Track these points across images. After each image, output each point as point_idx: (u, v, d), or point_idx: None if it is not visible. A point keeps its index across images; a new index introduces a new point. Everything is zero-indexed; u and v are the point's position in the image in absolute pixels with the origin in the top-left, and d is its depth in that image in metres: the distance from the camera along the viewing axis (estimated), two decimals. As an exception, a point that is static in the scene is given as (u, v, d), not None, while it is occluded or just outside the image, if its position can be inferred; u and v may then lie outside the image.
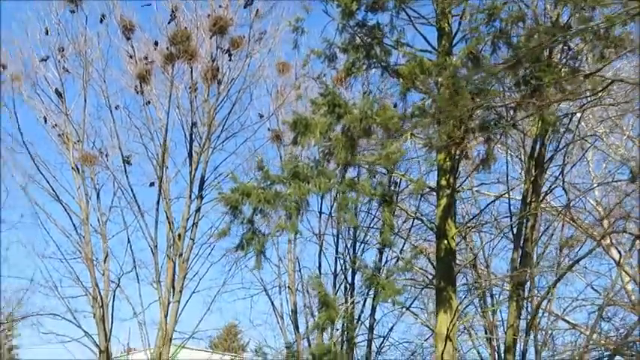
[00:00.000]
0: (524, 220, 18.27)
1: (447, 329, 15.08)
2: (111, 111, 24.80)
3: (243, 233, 14.77)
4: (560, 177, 19.56)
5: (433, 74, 15.04)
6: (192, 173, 24.61)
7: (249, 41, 24.33)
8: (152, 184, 25.49)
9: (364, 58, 16.39)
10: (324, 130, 14.71)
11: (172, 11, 23.92)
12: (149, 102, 25.20)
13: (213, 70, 24.57)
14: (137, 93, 25.15)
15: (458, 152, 15.45)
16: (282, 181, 14.53)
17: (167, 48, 23.84)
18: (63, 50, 24.82)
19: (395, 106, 16.21)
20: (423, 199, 20.29)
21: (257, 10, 24.67)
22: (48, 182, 24.57)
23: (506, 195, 19.22)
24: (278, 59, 25.92)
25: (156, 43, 24.06)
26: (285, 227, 14.54)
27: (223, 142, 25.44)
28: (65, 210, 24.60)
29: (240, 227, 14.73)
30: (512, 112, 15.14)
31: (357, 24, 16.69)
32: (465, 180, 17.57)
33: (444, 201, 16.01)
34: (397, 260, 21.68)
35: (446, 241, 15.81)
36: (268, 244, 15.70)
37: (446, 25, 16.69)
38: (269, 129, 26.13)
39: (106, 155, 25.66)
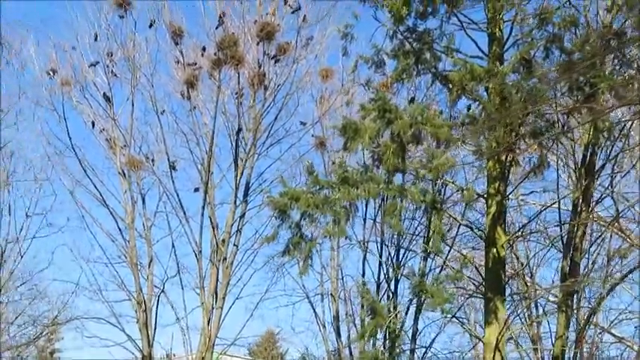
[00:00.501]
0: (574, 230, 17.97)
1: (497, 339, 14.86)
2: (158, 116, 24.90)
3: (290, 238, 14.73)
4: (610, 187, 19.22)
5: (484, 81, 14.87)
6: (238, 179, 24.62)
7: (296, 47, 24.29)
8: (197, 190, 25.59)
9: (414, 64, 16.28)
10: (374, 135, 14.63)
11: (220, 17, 24.02)
12: (195, 107, 25.31)
13: (260, 75, 24.59)
14: (184, 98, 25.28)
15: (508, 159, 15.24)
16: (332, 186, 14.46)
17: (215, 53, 23.91)
18: (112, 55, 25.05)
19: (441, 113, 16.04)
20: (469, 206, 20.08)
21: (304, 16, 24.64)
22: (95, 187, 24.76)
23: (556, 204, 18.90)
24: (321, 65, 25.92)
25: (203, 49, 24.18)
26: (333, 232, 14.49)
27: (268, 148, 25.42)
28: (111, 214, 24.77)
29: (287, 232, 14.68)
30: (565, 118, 14.91)
31: (407, 29, 16.64)
32: (515, 188, 17.30)
33: (493, 209, 15.81)
34: (442, 268, 21.48)
35: (495, 250, 15.61)
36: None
37: (497, 30, 16.52)
38: (313, 135, 26.10)
39: (152, 160, 25.80)
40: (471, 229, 17.24)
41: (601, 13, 16.72)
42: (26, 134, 25.79)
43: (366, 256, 23.76)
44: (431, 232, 16.57)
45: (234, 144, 24.80)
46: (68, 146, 24.91)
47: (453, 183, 16.25)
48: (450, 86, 16.36)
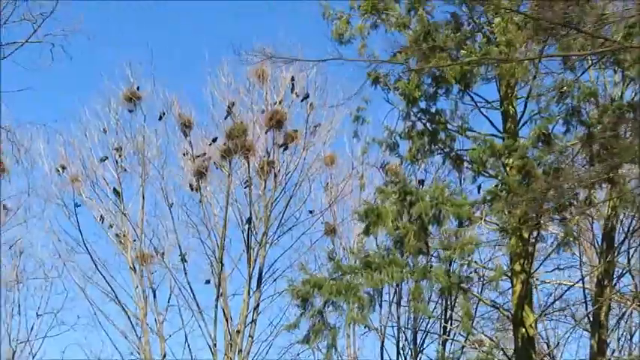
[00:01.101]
0: (599, 307, 17.53)
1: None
2: (170, 209, 24.73)
3: (311, 326, 14.29)
4: (628, 262, 18.88)
5: (503, 156, 14.72)
6: (250, 269, 24.26)
7: (305, 135, 24.27)
8: (207, 282, 25.22)
9: (429, 144, 16.16)
10: (395, 218, 14.36)
11: (229, 107, 24.10)
12: (201, 200, 25.15)
13: (269, 164, 24.54)
14: (192, 190, 25.16)
15: (533, 236, 14.95)
16: (354, 272, 14.11)
17: (224, 143, 23.90)
18: (121, 150, 25.02)
19: (460, 191, 15.81)
20: (488, 285, 19.67)
21: (311, 103, 24.73)
22: (108, 283, 24.34)
23: (580, 283, 18.54)
24: (328, 152, 25.90)
25: (214, 140, 24.13)
26: (358, 319, 14.06)
27: (280, 236, 25.14)
28: (124, 310, 24.28)
29: (308, 320, 14.24)
30: (586, 192, 14.68)
31: (420, 110, 16.60)
32: (540, 265, 16.95)
33: (518, 287, 15.41)
34: (462, 349, 20.93)
35: (524, 330, 15.14)
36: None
37: (510, 107, 16.46)
38: (322, 222, 25.86)
39: (162, 254, 25.48)
40: (497, 308, 16.79)
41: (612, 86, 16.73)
42: (35, 232, 25.52)
43: (384, 342, 23.17)
44: (460, 313, 16.06)
45: (245, 233, 24.54)
46: (79, 242, 24.64)
47: (475, 262, 15.91)
48: (466, 165, 16.32)
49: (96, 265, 24.38)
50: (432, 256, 14.98)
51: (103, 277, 24.36)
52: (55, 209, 25.00)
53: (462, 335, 21.30)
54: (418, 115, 16.61)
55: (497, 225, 15.17)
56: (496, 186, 14.84)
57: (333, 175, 25.98)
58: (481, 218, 15.04)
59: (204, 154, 24.85)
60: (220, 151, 23.87)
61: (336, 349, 14.40)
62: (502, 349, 17.98)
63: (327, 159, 25.87)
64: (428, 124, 16.51)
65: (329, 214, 25.94)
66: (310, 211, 25.66)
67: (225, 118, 24.04)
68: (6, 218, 24.76)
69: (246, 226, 24.43)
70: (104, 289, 24.56)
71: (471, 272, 15.99)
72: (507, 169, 14.87)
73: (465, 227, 14.52)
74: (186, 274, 24.44)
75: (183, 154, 25.27)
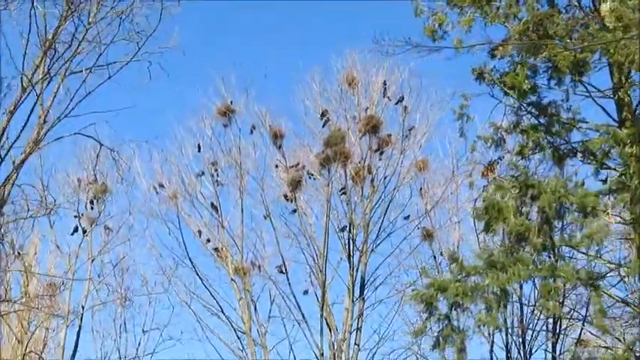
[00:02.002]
0: None
1: None
2: (271, 221, 24.68)
3: (439, 330, 13.90)
4: None
5: (627, 145, 14.10)
6: (353, 277, 23.98)
7: (401, 139, 23.91)
8: (306, 292, 25.09)
9: (544, 137, 15.61)
10: (516, 213, 13.87)
11: (322, 114, 23.92)
12: (296, 210, 25.04)
13: (366, 170, 24.27)
14: (287, 200, 25.08)
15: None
16: (479, 272, 13.67)
17: (322, 151, 23.73)
18: (216, 164, 25.11)
19: (582, 184, 15.22)
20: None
21: (405, 107, 24.38)
22: (212, 295, 24.41)
23: None
24: (418, 156, 25.47)
25: (313, 152, 23.96)
26: (487, 321, 13.60)
27: (379, 243, 24.82)
28: (230, 323, 24.30)
29: (436, 324, 13.85)
30: None
31: (531, 103, 16.10)
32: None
33: (648, 282, 14.72)
34: (575, 350, 20.20)
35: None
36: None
37: (625, 95, 15.79)
38: (417, 227, 25.42)
39: (259, 267, 25.47)
40: (628, 304, 16.04)
41: None
42: (138, 249, 25.77)
43: (493, 347, 22.57)
44: (591, 310, 15.44)
45: (345, 242, 24.29)
46: (183, 258, 24.71)
47: (600, 257, 15.25)
48: (579, 157, 15.74)
49: (201, 279, 24.48)
50: (557, 251, 14.40)
51: (208, 290, 24.43)
52: (156, 226, 25.21)
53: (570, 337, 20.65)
54: (529, 109, 16.14)
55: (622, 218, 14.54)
56: (620, 175, 14.20)
57: (426, 179, 25.60)
58: (605, 210, 14.42)
59: (298, 164, 24.79)
60: (319, 160, 23.66)
61: (466, 352, 13.93)
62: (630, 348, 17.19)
63: (419, 163, 25.45)
64: (539, 118, 16.02)
65: (426, 219, 25.61)
66: (406, 217, 25.33)
67: (323, 126, 23.87)
68: (109, 238, 25.09)
69: (347, 234, 24.20)
70: (207, 303, 24.65)
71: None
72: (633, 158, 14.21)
73: (591, 218, 13.87)
74: (289, 284, 24.28)
75: (276, 166, 25.29)
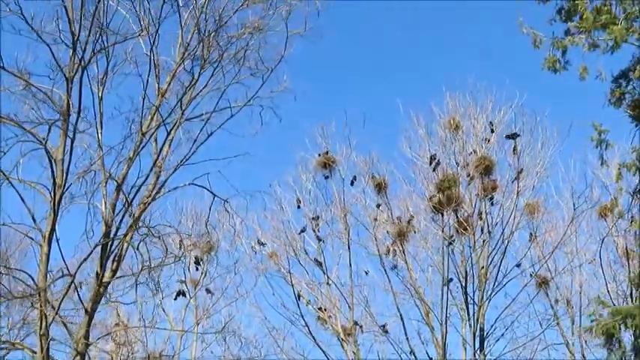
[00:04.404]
0: None
1: None
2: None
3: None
4: None
5: None
6: (473, 330, 22.50)
7: (517, 180, 22.61)
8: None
9: None
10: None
11: (431, 159, 22.81)
12: (395, 266, 23.84)
13: (477, 216, 23.01)
14: (389, 254, 23.91)
15: None
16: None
17: (431, 197, 22.57)
18: (318, 219, 24.08)
19: None
20: None
21: (514, 147, 23.16)
22: (325, 355, 23.07)
23: None
24: (530, 198, 24.15)
25: (430, 198, 22.80)
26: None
27: (495, 293, 23.38)
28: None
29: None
30: None
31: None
32: None
33: None
34: None
35: None
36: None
37: None
38: (531, 275, 23.97)
39: (360, 327, 24.13)
40: None
41: None
42: (245, 310, 24.61)
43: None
44: None
45: (464, 294, 22.89)
46: (288, 318, 23.50)
47: None
48: None
49: (314, 338, 23.19)
50: None
51: (321, 349, 23.10)
52: (260, 286, 24.14)
53: None
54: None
55: None
56: None
57: (540, 222, 24.22)
58: None
59: (399, 218, 23.68)
60: (432, 204, 22.47)
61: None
62: None
63: (530, 207, 24.10)
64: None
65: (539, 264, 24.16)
66: (518, 265, 23.92)
67: (434, 170, 22.75)
68: (211, 301, 24.02)
69: (464, 286, 22.84)
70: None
71: None
72: None
73: None
74: (407, 338, 22.78)
75: (374, 219, 24.16)
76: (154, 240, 14.49)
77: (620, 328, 12.32)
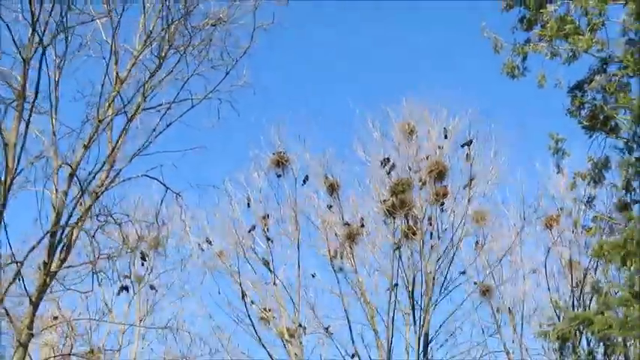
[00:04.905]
0: None
1: None
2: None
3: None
4: None
5: None
6: (418, 333, 22.57)
7: (468, 187, 22.77)
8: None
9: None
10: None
11: (385, 161, 22.76)
12: (341, 269, 23.81)
13: (427, 221, 23.11)
14: (337, 256, 23.83)
15: None
16: (625, 304, 12.39)
17: (384, 201, 22.53)
18: (267, 217, 23.85)
19: None
20: None
21: (467, 154, 23.33)
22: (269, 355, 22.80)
23: None
24: (476, 208, 24.38)
25: (384, 201, 22.72)
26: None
27: (442, 298, 23.57)
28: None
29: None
30: None
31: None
32: None
33: None
34: None
35: None
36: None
37: None
38: (475, 283, 24.21)
39: (304, 328, 23.97)
40: None
41: None
42: (188, 308, 24.13)
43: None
44: None
45: (410, 298, 22.96)
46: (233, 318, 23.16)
47: None
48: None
49: (259, 337, 22.94)
50: None
51: (266, 349, 22.91)
52: (206, 284, 23.76)
53: None
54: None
55: None
56: None
57: (488, 231, 24.48)
58: None
59: (347, 224, 23.60)
60: (385, 207, 22.43)
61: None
62: None
63: (477, 215, 24.34)
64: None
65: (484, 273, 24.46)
66: (462, 272, 24.16)
67: (388, 173, 22.71)
68: (155, 298, 23.50)
69: (411, 291, 22.90)
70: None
71: None
72: None
73: None
74: (353, 341, 22.73)
75: (324, 221, 24.05)
76: (108, 231, 14.01)
77: (575, 334, 12.43)
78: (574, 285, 22.55)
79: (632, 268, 12.63)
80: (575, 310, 20.36)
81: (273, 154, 23.74)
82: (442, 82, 25.73)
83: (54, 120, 14.79)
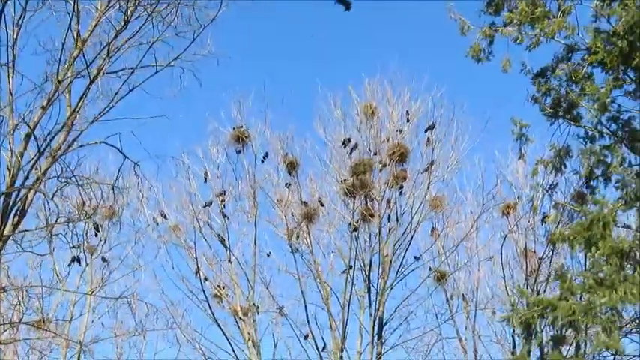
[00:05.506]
0: None
1: None
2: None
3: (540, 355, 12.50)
4: None
5: None
6: (374, 318, 22.48)
7: (428, 172, 22.66)
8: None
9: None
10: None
11: (346, 141, 22.56)
12: (297, 249, 23.57)
13: (387, 204, 22.97)
14: (293, 236, 23.56)
15: None
16: (588, 291, 12.36)
17: (344, 181, 22.33)
18: (224, 194, 23.45)
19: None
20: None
21: (427, 139, 23.21)
22: (223, 332, 22.50)
23: None
24: (434, 193, 24.31)
25: (344, 181, 22.48)
26: (610, 344, 12.20)
27: (397, 283, 23.46)
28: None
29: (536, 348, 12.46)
30: None
31: (611, 118, 15.19)
32: None
33: None
34: None
35: None
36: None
37: None
38: (430, 269, 24.19)
39: (257, 307, 23.70)
40: None
41: None
42: (141, 282, 23.66)
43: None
44: None
45: (365, 281, 22.81)
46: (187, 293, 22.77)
47: None
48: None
49: (213, 314, 22.55)
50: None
51: (219, 326, 22.51)
52: (161, 258, 23.30)
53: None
54: (608, 125, 15.23)
55: None
56: None
57: (444, 216, 24.43)
58: None
59: (305, 202, 23.38)
60: (345, 188, 22.23)
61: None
62: None
63: (434, 201, 24.25)
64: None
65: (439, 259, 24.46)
66: (417, 258, 24.09)
67: (350, 153, 22.50)
68: (107, 269, 23.02)
69: (367, 273, 22.77)
70: (215, 342, 22.85)
71: None
72: None
73: None
74: (308, 322, 22.47)
75: (281, 200, 23.78)
76: (65, 196, 13.53)
77: (537, 318, 12.39)
78: (528, 273, 22.65)
79: (596, 253, 12.59)
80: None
81: (233, 129, 23.32)
82: (409, 66, 25.38)
83: (11, 78, 14.33)
